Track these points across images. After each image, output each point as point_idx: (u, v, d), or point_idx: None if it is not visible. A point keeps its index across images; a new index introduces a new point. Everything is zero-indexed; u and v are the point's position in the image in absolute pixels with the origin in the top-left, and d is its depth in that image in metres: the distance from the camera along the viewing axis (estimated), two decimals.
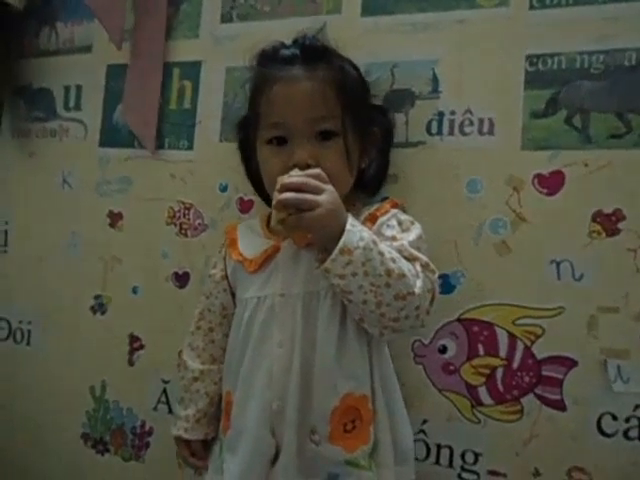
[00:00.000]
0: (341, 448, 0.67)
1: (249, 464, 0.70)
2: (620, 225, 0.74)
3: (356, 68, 0.79)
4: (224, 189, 0.96)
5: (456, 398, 0.80)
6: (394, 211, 0.74)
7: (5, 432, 1.14)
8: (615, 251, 0.74)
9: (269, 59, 0.76)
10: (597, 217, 0.75)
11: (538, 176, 0.78)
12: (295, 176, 0.65)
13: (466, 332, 0.80)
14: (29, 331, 1.13)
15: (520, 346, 0.77)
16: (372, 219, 0.73)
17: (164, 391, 0.99)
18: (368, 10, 0.88)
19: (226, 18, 0.98)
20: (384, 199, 0.82)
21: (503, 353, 0.78)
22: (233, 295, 0.81)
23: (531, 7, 0.79)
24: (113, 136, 1.07)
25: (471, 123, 0.81)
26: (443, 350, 0.81)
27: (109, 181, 1.07)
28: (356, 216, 0.67)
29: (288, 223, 0.62)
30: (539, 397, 0.76)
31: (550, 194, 0.77)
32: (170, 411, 0.97)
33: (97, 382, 1.05)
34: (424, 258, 0.66)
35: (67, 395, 1.08)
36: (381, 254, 0.61)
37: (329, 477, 0.68)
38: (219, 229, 0.93)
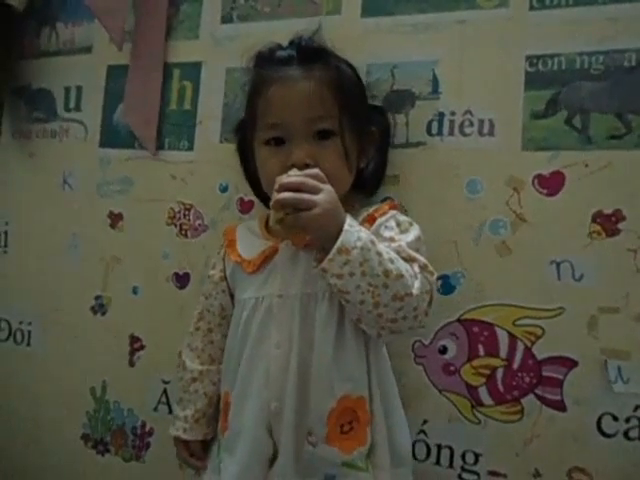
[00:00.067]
0: (338, 449, 0.67)
1: (247, 464, 0.70)
2: (620, 225, 0.74)
3: (353, 68, 0.80)
4: (224, 190, 0.96)
5: (456, 399, 0.80)
6: (393, 212, 0.74)
7: (5, 432, 1.14)
8: (615, 251, 0.74)
9: (265, 60, 0.77)
10: (597, 217, 0.75)
11: (538, 177, 0.78)
12: (293, 176, 0.65)
13: (466, 333, 0.80)
14: (29, 332, 1.13)
15: (520, 346, 0.77)
16: (370, 220, 0.73)
17: (164, 391, 0.99)
18: (368, 11, 0.88)
19: (226, 19, 0.99)
20: (385, 200, 0.82)
21: (503, 353, 0.78)
22: (232, 296, 0.81)
23: (531, 8, 0.79)
24: (113, 137, 1.07)
25: (471, 124, 0.81)
26: (443, 351, 0.81)
27: (109, 182, 1.07)
28: (355, 217, 0.67)
29: (286, 223, 0.62)
30: (539, 397, 0.76)
31: (550, 195, 0.77)
32: (171, 411, 0.97)
33: (97, 383, 1.05)
34: (422, 259, 0.66)
35: (67, 396, 1.08)
36: (379, 254, 0.61)
37: (326, 478, 0.68)
38: (219, 230, 0.93)
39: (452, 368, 0.80)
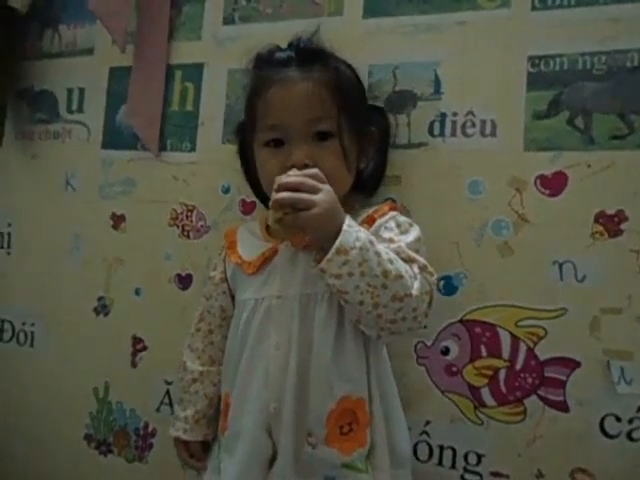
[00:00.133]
0: (337, 451, 0.67)
1: (246, 465, 0.70)
2: (623, 226, 0.74)
3: (352, 69, 0.79)
4: (226, 191, 0.96)
5: (459, 399, 0.80)
6: (392, 213, 0.74)
7: (8, 433, 1.14)
8: (618, 252, 0.73)
9: (264, 62, 0.77)
10: (600, 218, 0.75)
11: (540, 177, 0.78)
12: (292, 176, 0.65)
13: (468, 333, 0.80)
14: (32, 332, 1.13)
15: (523, 347, 0.77)
16: (370, 221, 0.73)
17: (167, 392, 0.99)
18: (370, 12, 0.88)
19: (228, 20, 0.99)
20: (386, 200, 0.82)
21: (506, 354, 0.78)
22: (232, 297, 0.82)
23: (533, 8, 0.79)
24: (116, 138, 1.08)
25: (473, 124, 0.81)
26: (446, 351, 0.81)
27: (112, 183, 1.07)
28: (354, 218, 0.67)
29: (285, 222, 0.62)
30: (542, 398, 0.76)
31: (552, 195, 0.77)
32: (173, 412, 0.97)
33: (100, 383, 1.05)
34: (422, 260, 0.66)
35: (70, 396, 1.08)
36: (378, 255, 0.61)
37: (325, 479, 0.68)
38: (222, 231, 0.93)
39: (454, 369, 0.80)
